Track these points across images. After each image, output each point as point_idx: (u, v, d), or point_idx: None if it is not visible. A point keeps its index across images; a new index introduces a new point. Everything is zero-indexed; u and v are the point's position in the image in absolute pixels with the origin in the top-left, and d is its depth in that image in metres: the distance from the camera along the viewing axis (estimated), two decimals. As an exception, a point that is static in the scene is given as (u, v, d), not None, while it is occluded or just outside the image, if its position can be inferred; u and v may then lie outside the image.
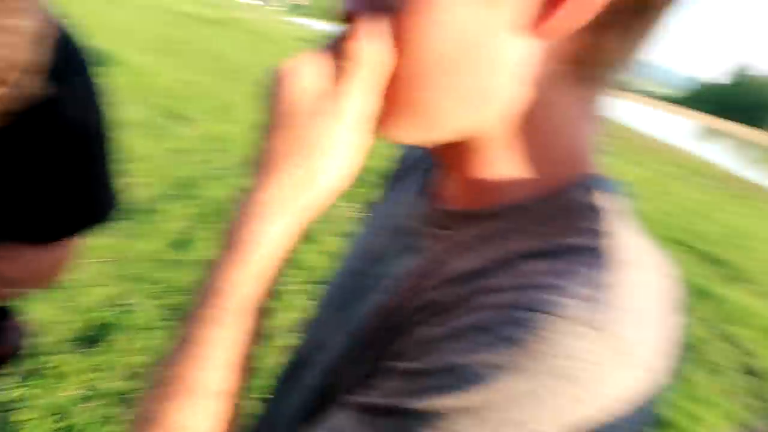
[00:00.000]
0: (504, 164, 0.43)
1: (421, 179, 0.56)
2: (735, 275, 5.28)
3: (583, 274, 0.35)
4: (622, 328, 0.33)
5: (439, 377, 0.34)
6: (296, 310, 2.57)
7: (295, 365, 0.58)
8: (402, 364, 0.37)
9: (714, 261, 5.50)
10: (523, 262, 0.38)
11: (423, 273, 0.46)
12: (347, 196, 4.04)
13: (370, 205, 0.68)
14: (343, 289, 0.57)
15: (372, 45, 0.40)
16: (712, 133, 42.35)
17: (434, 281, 0.44)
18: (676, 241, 5.86)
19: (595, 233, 0.38)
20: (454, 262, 0.44)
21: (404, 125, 0.43)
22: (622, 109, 31.94)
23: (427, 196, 0.52)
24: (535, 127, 0.42)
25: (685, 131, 32.61)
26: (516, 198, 0.43)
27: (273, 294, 0.44)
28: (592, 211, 0.40)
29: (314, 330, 0.58)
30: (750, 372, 3.47)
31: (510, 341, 0.32)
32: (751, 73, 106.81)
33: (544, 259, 0.38)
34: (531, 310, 0.33)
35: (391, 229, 0.56)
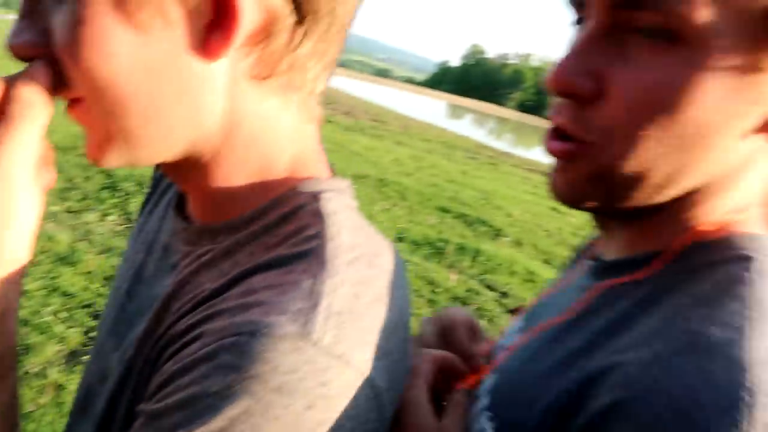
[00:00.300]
0: (232, 177, 0.45)
1: (175, 195, 0.55)
2: (492, 232, 6.03)
3: (301, 284, 0.38)
4: (337, 333, 0.36)
5: (176, 415, 0.35)
6: (61, 340, 2.31)
7: (84, 396, 0.55)
8: (147, 406, 0.38)
9: (474, 221, 6.22)
10: (250, 276, 0.41)
11: (174, 295, 0.46)
12: (109, 208, 3.69)
13: (137, 220, 0.67)
14: (115, 311, 0.56)
15: (35, 87, 0.38)
16: (456, 110, 47.54)
17: (182, 304, 0.44)
18: (442, 209, 6.49)
19: (318, 238, 0.41)
20: (201, 281, 0.45)
21: (112, 152, 0.42)
22: (377, 94, 34.03)
23: (178, 212, 0.52)
24: (252, 139, 0.44)
25: (434, 110, 36.08)
26: (246, 209, 0.45)
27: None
28: (316, 216, 0.43)
29: (95, 356, 0.56)
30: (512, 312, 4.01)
31: (233, 368, 0.34)
32: (483, 55, 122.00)
33: (269, 270, 0.40)
34: (249, 333, 0.35)
35: (155, 247, 0.55)
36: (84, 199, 3.94)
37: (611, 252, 0.52)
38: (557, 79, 0.44)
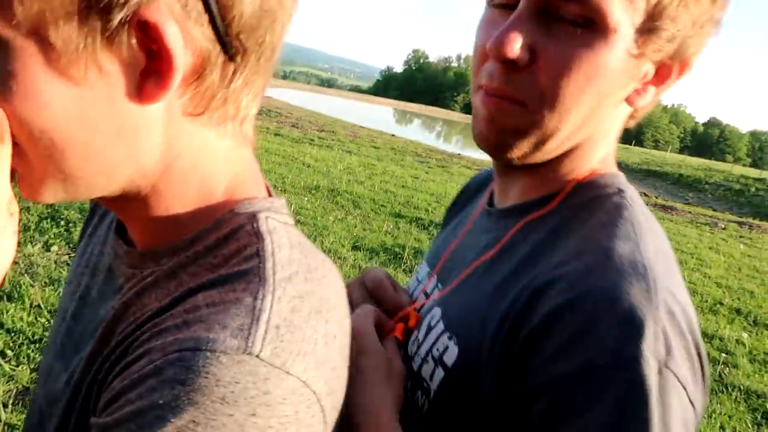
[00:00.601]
0: (172, 206, 0.47)
1: (115, 218, 0.56)
2: (448, 233, 6.11)
3: (242, 301, 0.40)
4: (276, 345, 0.39)
5: (126, 426, 0.36)
6: (10, 379, 2.22)
7: (37, 421, 0.55)
8: (98, 420, 0.39)
9: (429, 225, 6.28)
10: (193, 295, 0.42)
11: (119, 317, 0.48)
12: (52, 238, 3.57)
13: (78, 246, 0.67)
14: (62, 335, 0.56)
15: None
16: (404, 116, 47.93)
17: (127, 325, 0.46)
18: (397, 214, 6.52)
19: (257, 257, 0.43)
20: (145, 302, 0.46)
21: (49, 190, 0.43)
22: (324, 104, 33.92)
23: (119, 236, 0.53)
24: (190, 169, 0.46)
25: (381, 117, 36.27)
26: (188, 233, 0.47)
27: None
28: (254, 236, 0.45)
29: (43, 381, 0.56)
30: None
31: (178, 381, 0.36)
32: (426, 59, 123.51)
33: (212, 289, 0.42)
34: (192, 348, 0.37)
35: (99, 270, 0.56)
36: (24, 231, 3.78)
37: (510, 199, 0.65)
38: (499, 47, 0.53)
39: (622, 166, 0.63)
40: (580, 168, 0.61)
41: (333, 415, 0.43)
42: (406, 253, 4.99)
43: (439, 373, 0.59)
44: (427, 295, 0.71)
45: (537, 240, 0.58)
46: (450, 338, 0.59)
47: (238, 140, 0.48)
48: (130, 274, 0.49)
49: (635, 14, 0.52)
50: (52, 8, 0.36)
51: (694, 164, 30.04)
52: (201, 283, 0.43)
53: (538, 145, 0.58)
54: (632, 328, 0.46)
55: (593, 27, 0.52)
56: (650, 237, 0.55)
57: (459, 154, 17.68)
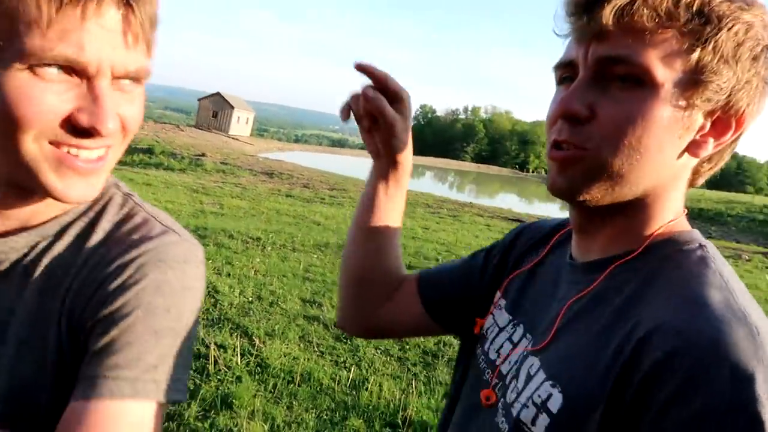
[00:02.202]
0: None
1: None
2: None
3: None
4: None
5: None
6: None
7: None
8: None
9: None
10: None
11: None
12: None
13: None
14: None
15: None
16: (415, 169, 48.35)
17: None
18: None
19: None
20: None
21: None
22: (335, 163, 34.36)
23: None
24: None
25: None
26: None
27: None
28: None
29: None
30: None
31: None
32: (434, 114, 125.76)
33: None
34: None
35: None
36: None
37: (592, 254, 0.70)
38: (564, 107, 0.62)
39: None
40: (656, 221, 0.66)
41: None
42: (416, 304, 4.88)
43: (544, 419, 0.61)
44: (513, 343, 0.75)
45: (630, 288, 0.62)
46: (553, 386, 0.62)
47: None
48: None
49: (678, 69, 0.59)
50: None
51: (713, 197, 29.67)
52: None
53: (607, 186, 0.63)
54: (743, 371, 0.50)
55: (642, 84, 0.60)
56: (737, 286, 0.60)
57: (471, 203, 17.67)
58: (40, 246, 0.66)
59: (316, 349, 3.81)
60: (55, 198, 0.61)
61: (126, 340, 0.61)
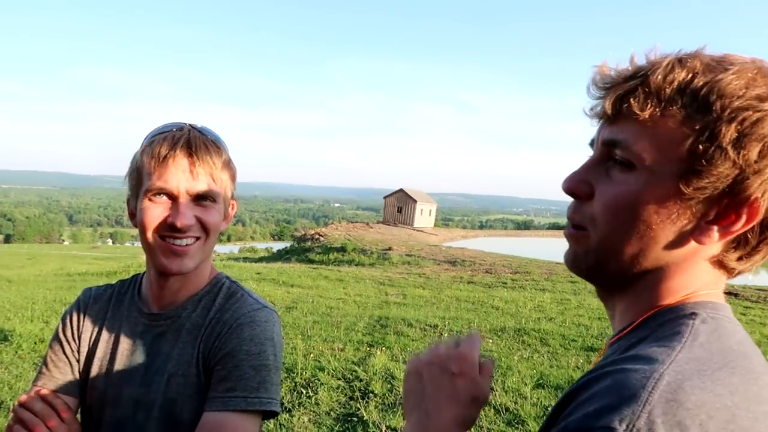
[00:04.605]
0: None
1: None
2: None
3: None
4: None
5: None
6: None
7: None
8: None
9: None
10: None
11: None
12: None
13: None
14: None
15: None
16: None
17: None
18: (588, 348, 6.10)
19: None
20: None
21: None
22: (520, 246, 33.38)
23: None
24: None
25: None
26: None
27: None
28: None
29: None
30: None
31: None
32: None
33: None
34: None
35: None
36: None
37: (614, 329, 0.72)
38: (566, 185, 0.68)
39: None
40: (663, 298, 0.65)
41: None
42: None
43: None
44: None
45: (610, 356, 0.63)
46: None
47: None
48: None
49: (671, 156, 0.60)
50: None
51: None
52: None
53: (603, 264, 0.66)
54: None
55: (634, 167, 0.62)
56: (700, 350, 0.56)
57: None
58: (183, 315, 1.08)
59: (486, 433, 3.81)
60: (162, 270, 1.02)
61: (236, 374, 0.97)
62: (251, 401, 0.96)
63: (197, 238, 1.02)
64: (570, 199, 0.70)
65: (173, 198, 1.00)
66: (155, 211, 0.99)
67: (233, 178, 1.09)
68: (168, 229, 1.00)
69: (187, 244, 1.01)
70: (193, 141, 1.00)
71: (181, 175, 0.99)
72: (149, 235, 1.00)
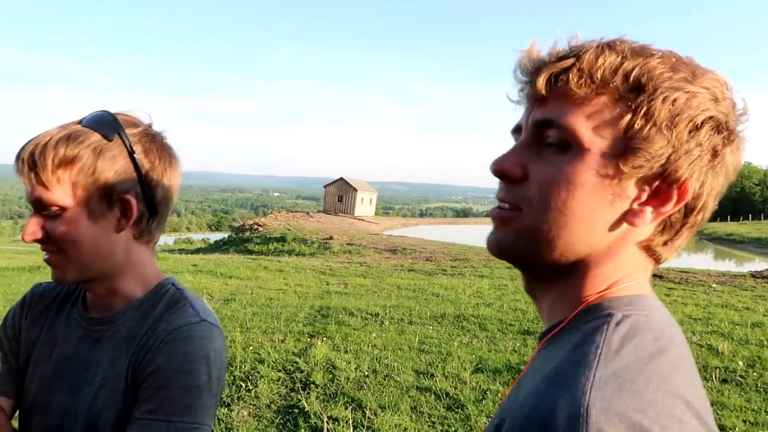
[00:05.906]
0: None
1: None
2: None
3: None
4: None
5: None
6: None
7: None
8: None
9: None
10: None
11: None
12: None
13: None
14: None
15: None
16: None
17: None
18: (525, 332, 6.29)
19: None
20: None
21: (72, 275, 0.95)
22: (459, 234, 34.04)
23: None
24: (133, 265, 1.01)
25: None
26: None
27: None
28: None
29: None
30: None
31: None
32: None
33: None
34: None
35: None
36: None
37: (545, 322, 0.70)
38: (496, 166, 0.66)
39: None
40: (590, 288, 0.64)
41: None
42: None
43: None
44: None
45: (533, 364, 0.64)
46: None
47: (152, 252, 1.04)
48: None
49: (608, 135, 0.60)
50: None
51: None
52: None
53: (535, 248, 0.63)
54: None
55: (570, 148, 0.61)
56: (615, 362, 0.54)
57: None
58: (119, 321, 0.98)
59: (427, 419, 3.86)
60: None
61: (160, 394, 0.86)
62: (174, 426, 0.85)
63: (56, 251, 0.92)
64: None
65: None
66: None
67: (101, 171, 0.89)
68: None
69: (47, 257, 0.94)
70: (35, 146, 0.87)
71: (26, 187, 0.89)
72: None
